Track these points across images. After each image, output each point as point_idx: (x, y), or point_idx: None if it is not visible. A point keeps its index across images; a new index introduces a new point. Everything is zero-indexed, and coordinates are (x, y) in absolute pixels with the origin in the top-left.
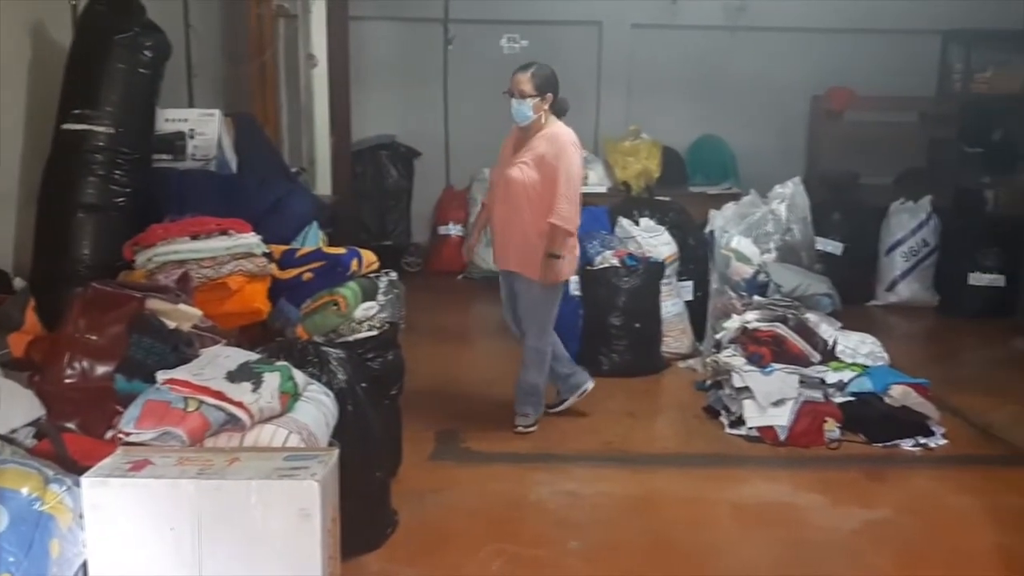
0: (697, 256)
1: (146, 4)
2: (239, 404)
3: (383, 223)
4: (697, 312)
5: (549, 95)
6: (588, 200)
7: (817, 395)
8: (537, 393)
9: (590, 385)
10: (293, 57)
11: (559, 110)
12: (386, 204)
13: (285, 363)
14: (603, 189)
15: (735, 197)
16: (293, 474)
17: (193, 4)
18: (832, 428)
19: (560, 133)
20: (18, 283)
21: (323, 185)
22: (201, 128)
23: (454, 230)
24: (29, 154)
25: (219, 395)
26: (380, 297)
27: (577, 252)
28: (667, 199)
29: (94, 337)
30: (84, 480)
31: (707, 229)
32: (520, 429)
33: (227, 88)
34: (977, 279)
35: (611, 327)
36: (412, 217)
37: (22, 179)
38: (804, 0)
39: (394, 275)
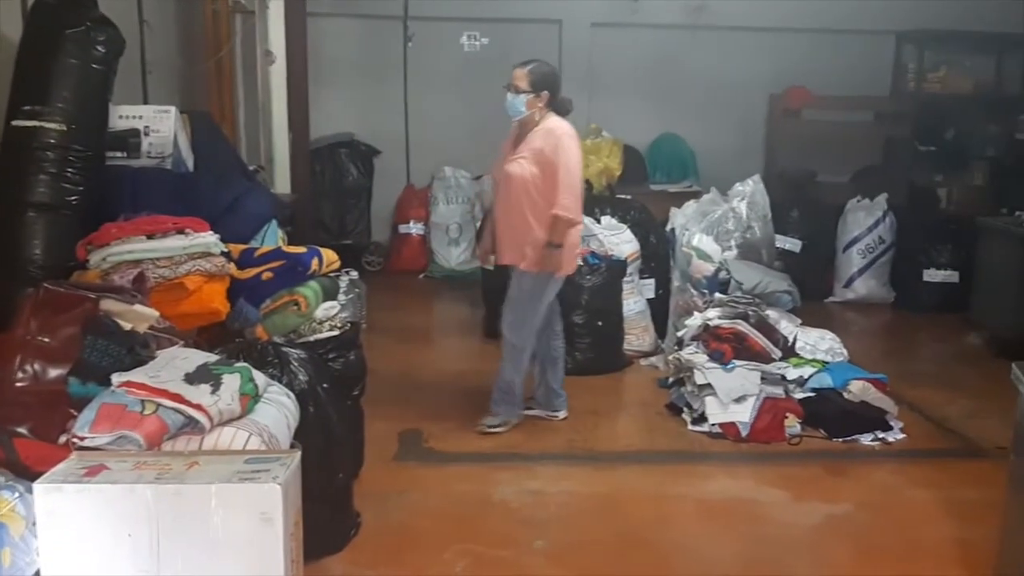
0: (659, 254)
1: (100, 1)
2: (198, 406)
3: (343, 222)
4: (659, 310)
5: (545, 93)
6: None
7: (778, 391)
8: (511, 392)
9: (562, 415)
10: (250, 54)
11: (560, 109)
12: (346, 203)
13: (245, 364)
14: None
15: (696, 195)
16: (254, 477)
17: (148, 0)
18: (793, 424)
19: (556, 126)
20: None
21: (282, 184)
22: (156, 125)
23: (415, 229)
24: None
25: (177, 397)
26: (341, 297)
27: (578, 251)
28: (628, 197)
29: (46, 339)
30: (37, 487)
31: (668, 227)
32: (484, 428)
33: (183, 85)
34: (931, 275)
35: (574, 325)
36: (372, 216)
37: None
38: (762, 0)
39: (355, 274)
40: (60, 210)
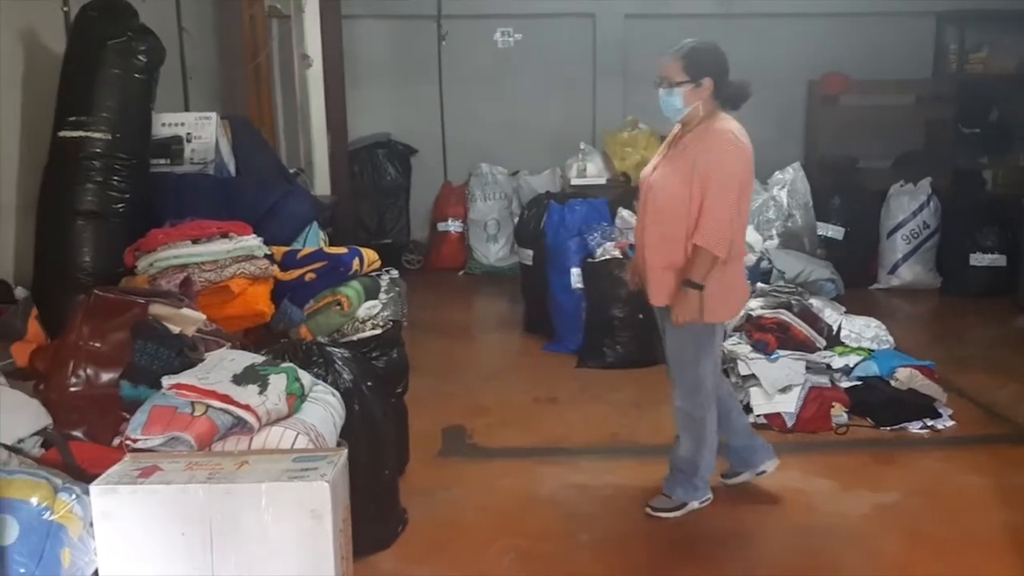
0: None
1: (138, 8)
2: (246, 407)
3: (382, 221)
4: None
5: (707, 80)
6: (589, 192)
7: (823, 380)
8: (690, 470)
9: (771, 466)
10: (288, 58)
11: (729, 98)
12: (384, 202)
13: (291, 364)
14: (602, 181)
15: None
16: (303, 475)
17: (186, 7)
18: (839, 413)
19: (718, 129)
20: (20, 292)
21: (321, 185)
22: (198, 132)
23: (453, 226)
24: (27, 162)
25: (226, 398)
26: (382, 295)
27: (742, 291)
28: None
29: (98, 344)
30: (93, 488)
31: None
32: (651, 511)
33: (223, 90)
34: (978, 259)
35: (614, 319)
36: (411, 214)
37: (21, 188)
38: None
39: (395, 273)
40: (108, 218)
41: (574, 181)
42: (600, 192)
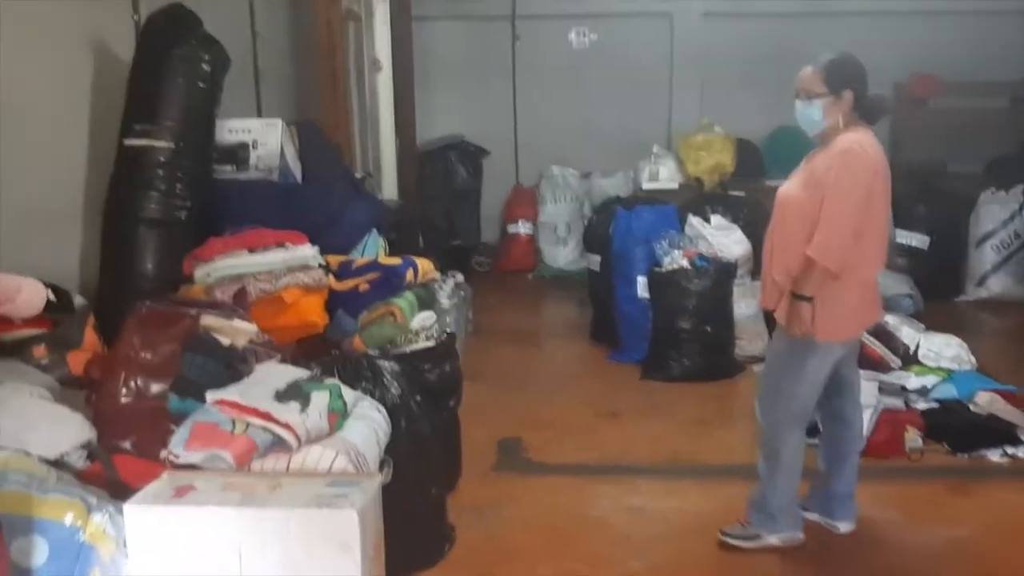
0: None
1: (212, 14)
2: (286, 425)
3: (452, 223)
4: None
5: (847, 93)
6: (660, 196)
7: (897, 402)
8: (760, 498)
9: (846, 528)
10: (360, 61)
11: (868, 111)
12: (455, 204)
13: (335, 381)
14: (674, 185)
15: None
16: (333, 503)
17: (260, 10)
18: (913, 437)
19: (849, 141)
20: (78, 301)
21: (389, 189)
22: (264, 138)
23: (523, 228)
24: (94, 170)
25: (266, 416)
26: (445, 300)
27: (863, 312)
28: (742, 194)
29: (148, 356)
30: (127, 507)
31: None
32: (722, 535)
33: (296, 94)
34: None
35: (680, 331)
36: (481, 216)
37: (87, 195)
38: None
39: (460, 277)
40: (170, 225)
41: (645, 185)
42: (672, 197)
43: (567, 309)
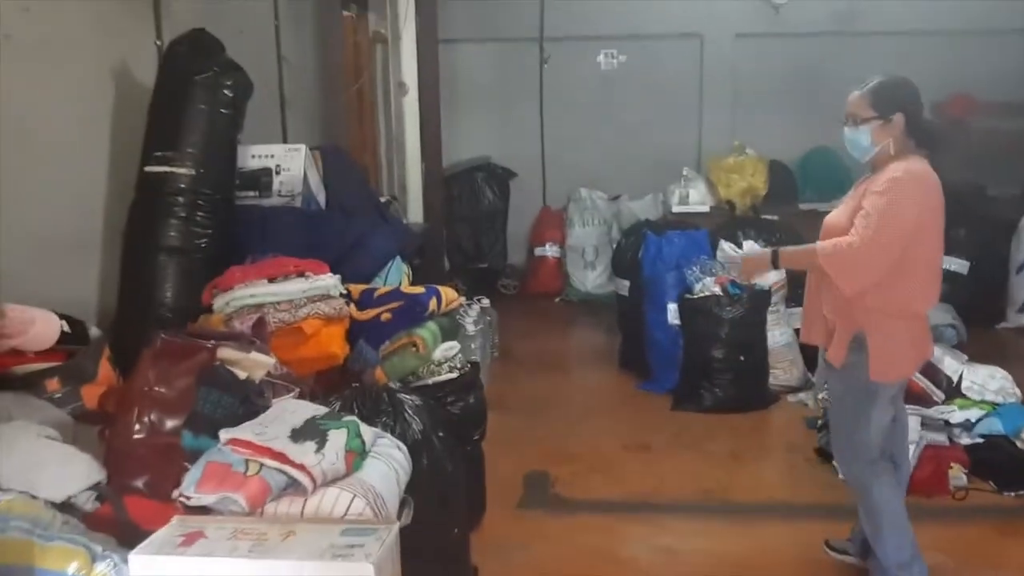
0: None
1: (237, 40)
2: (301, 467)
3: (479, 245)
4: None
5: (897, 116)
6: (691, 220)
7: (941, 438)
8: (884, 569)
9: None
10: (387, 83)
11: (924, 138)
12: (482, 226)
13: (353, 418)
14: (705, 209)
15: None
16: (347, 554)
17: (286, 35)
18: (958, 474)
19: (902, 169)
20: (94, 332)
21: (414, 213)
22: (287, 164)
23: (550, 251)
24: (114, 197)
25: (281, 457)
26: (470, 326)
27: (917, 350)
28: (775, 218)
29: (163, 390)
30: (132, 557)
31: None
32: None
33: (324, 119)
34: None
35: (713, 360)
36: (508, 238)
37: (107, 223)
38: (918, 1)
39: (486, 302)
40: (190, 254)
41: (675, 208)
42: (703, 220)
43: (595, 335)
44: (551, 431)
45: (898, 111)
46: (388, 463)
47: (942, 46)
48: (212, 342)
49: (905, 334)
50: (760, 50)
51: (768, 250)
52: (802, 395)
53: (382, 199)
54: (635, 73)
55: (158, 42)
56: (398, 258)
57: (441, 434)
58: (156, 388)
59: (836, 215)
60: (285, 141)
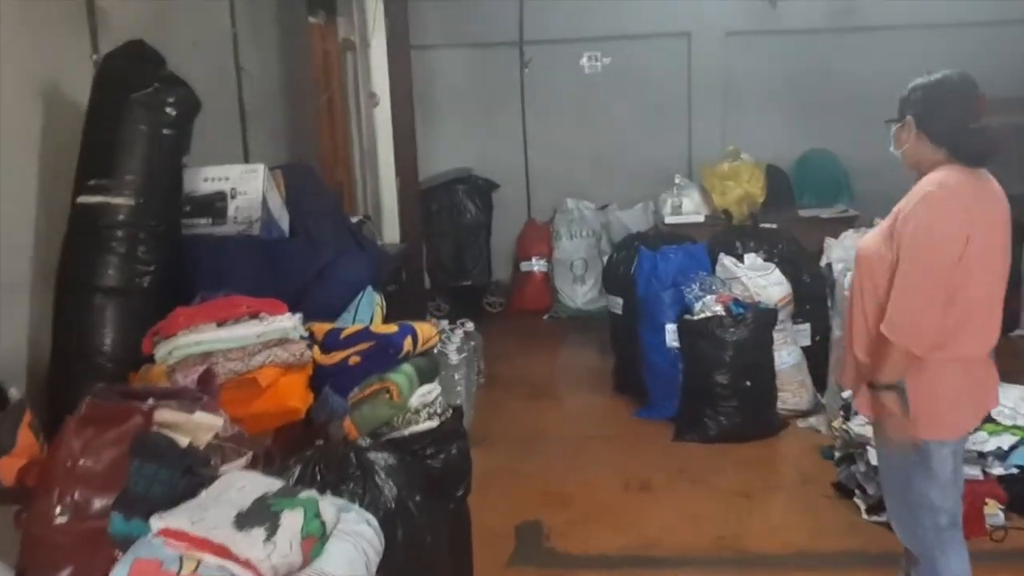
0: (814, 294)
1: (188, 50)
2: (246, 563)
3: (461, 262)
4: (817, 356)
5: (909, 118)
6: (684, 231)
7: (974, 472)
8: None
9: None
10: (358, 94)
11: (967, 151)
12: (464, 241)
13: (312, 494)
14: (700, 218)
15: (851, 220)
16: None
17: (245, 44)
18: (994, 511)
19: (934, 182)
20: (13, 395)
21: (390, 231)
22: (243, 187)
23: (537, 266)
24: (43, 233)
25: (222, 551)
26: (454, 356)
27: (976, 398)
28: (774, 227)
29: (90, 463)
30: None
31: (824, 262)
32: None
33: (290, 134)
34: None
35: (716, 386)
36: (492, 254)
37: (36, 263)
38: None
39: (470, 326)
40: (131, 294)
41: (668, 219)
42: (697, 231)
43: (587, 354)
44: (542, 468)
45: (911, 112)
46: (356, 543)
47: (943, 40)
48: (150, 402)
49: (953, 383)
50: (751, 48)
51: (878, 395)
52: (812, 420)
53: (355, 219)
54: (620, 76)
55: (95, 56)
56: (369, 288)
57: (419, 498)
58: (81, 462)
59: (871, 239)
60: (247, 160)
